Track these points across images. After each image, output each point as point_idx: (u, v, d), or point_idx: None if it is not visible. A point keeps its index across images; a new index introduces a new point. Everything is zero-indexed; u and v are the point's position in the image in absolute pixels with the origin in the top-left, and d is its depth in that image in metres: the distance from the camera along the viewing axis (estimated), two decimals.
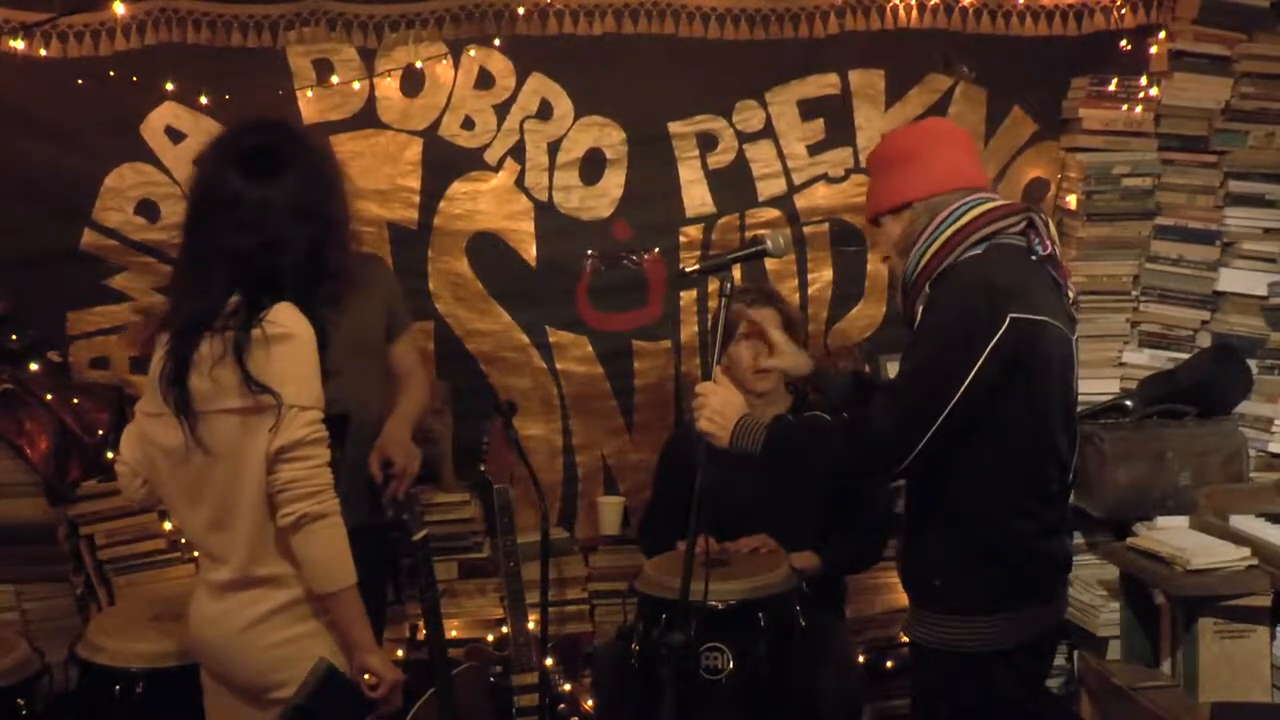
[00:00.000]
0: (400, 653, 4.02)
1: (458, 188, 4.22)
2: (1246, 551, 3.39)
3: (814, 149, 4.34)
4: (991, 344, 2.46)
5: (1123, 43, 4.36)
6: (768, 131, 4.31)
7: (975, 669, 2.62)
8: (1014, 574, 2.61)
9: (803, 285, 4.38)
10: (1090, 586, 4.07)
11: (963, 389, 2.46)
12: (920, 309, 2.60)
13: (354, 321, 3.22)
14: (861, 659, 3.91)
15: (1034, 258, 2.59)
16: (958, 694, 2.66)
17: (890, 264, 2.79)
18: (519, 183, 4.24)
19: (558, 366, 4.33)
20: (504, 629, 3.89)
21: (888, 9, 4.27)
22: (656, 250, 4.29)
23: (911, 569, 2.76)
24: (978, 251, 2.57)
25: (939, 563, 2.64)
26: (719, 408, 2.68)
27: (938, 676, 2.70)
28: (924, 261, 2.61)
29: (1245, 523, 3.55)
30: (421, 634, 3.94)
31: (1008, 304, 2.48)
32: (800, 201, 4.34)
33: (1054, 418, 2.61)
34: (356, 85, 4.10)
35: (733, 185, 4.31)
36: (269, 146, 2.56)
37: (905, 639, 3.13)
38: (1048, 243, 2.60)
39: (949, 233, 2.58)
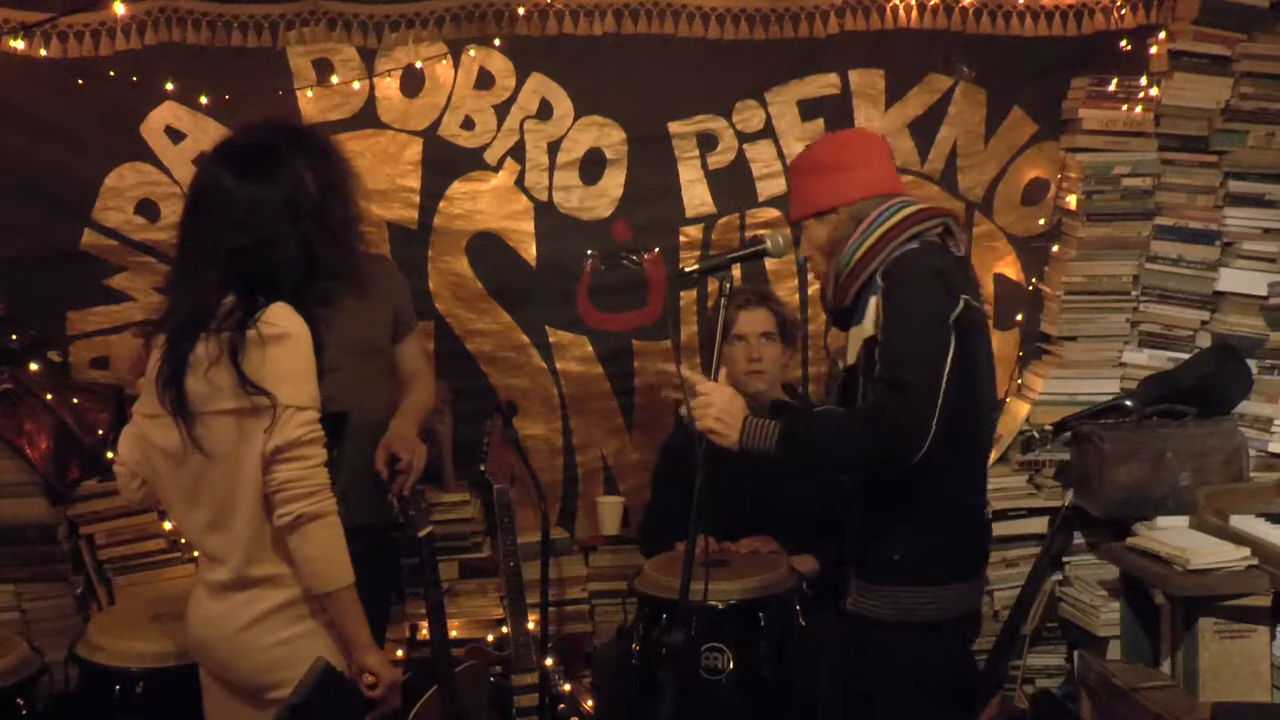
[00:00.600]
0: (400, 652, 4.03)
1: (458, 188, 4.23)
2: (1246, 551, 3.39)
3: None
4: (953, 321, 2.62)
5: (1123, 43, 4.36)
6: (768, 131, 4.32)
7: (927, 638, 2.73)
8: (969, 545, 2.79)
9: (802, 285, 4.38)
10: (1090, 586, 4.07)
11: (949, 362, 2.58)
12: (872, 300, 2.70)
13: (356, 321, 3.23)
14: None
15: (958, 264, 2.78)
16: (906, 664, 2.75)
17: (812, 262, 2.94)
18: (519, 183, 4.25)
19: (558, 366, 4.33)
20: (504, 629, 3.89)
21: (888, 9, 4.27)
22: (656, 250, 4.29)
23: (867, 548, 2.82)
24: (914, 245, 2.72)
25: (900, 540, 2.74)
26: (725, 407, 2.68)
27: (885, 648, 2.78)
28: (858, 257, 2.74)
29: (1245, 523, 3.55)
30: (422, 633, 3.95)
31: (957, 288, 2.67)
32: None
33: (991, 397, 2.85)
34: (356, 85, 4.10)
35: (733, 185, 4.31)
36: (262, 145, 2.56)
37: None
38: (962, 246, 2.81)
39: (881, 230, 2.73)
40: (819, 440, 2.67)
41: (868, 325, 2.70)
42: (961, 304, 2.64)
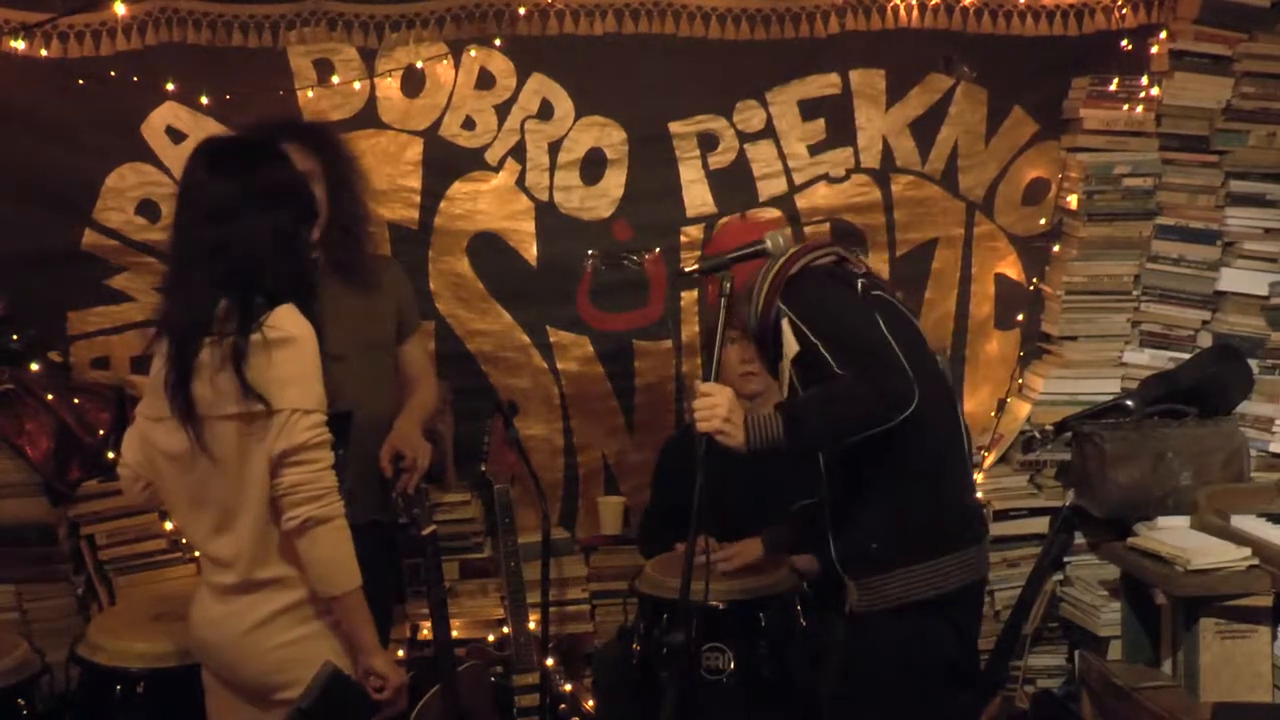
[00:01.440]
0: (401, 652, 4.02)
1: (458, 188, 4.22)
2: (1247, 551, 3.39)
3: (815, 149, 4.34)
4: (860, 299, 2.78)
5: (1123, 42, 4.35)
6: (768, 131, 4.31)
7: (914, 625, 2.77)
8: (938, 520, 2.81)
9: None
10: (1091, 586, 4.07)
11: (886, 334, 2.70)
12: (783, 324, 2.79)
13: (362, 317, 3.25)
14: None
15: (856, 273, 2.90)
16: (896, 654, 2.79)
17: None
18: (520, 183, 4.24)
19: (558, 366, 4.33)
20: (505, 629, 3.89)
21: (888, 9, 4.27)
22: (657, 250, 4.28)
23: (846, 549, 2.87)
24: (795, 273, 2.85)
25: (872, 529, 2.79)
26: (732, 408, 2.68)
27: (874, 641, 2.82)
28: (760, 309, 2.85)
29: (1246, 523, 3.55)
30: (423, 633, 3.95)
31: (846, 277, 2.84)
32: (801, 201, 4.34)
33: (930, 379, 2.82)
34: (357, 85, 4.10)
35: (733, 185, 4.31)
36: (241, 141, 2.56)
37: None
38: (862, 265, 2.96)
39: (770, 276, 2.84)
40: (819, 413, 2.68)
41: (789, 348, 2.78)
42: (859, 285, 2.82)
